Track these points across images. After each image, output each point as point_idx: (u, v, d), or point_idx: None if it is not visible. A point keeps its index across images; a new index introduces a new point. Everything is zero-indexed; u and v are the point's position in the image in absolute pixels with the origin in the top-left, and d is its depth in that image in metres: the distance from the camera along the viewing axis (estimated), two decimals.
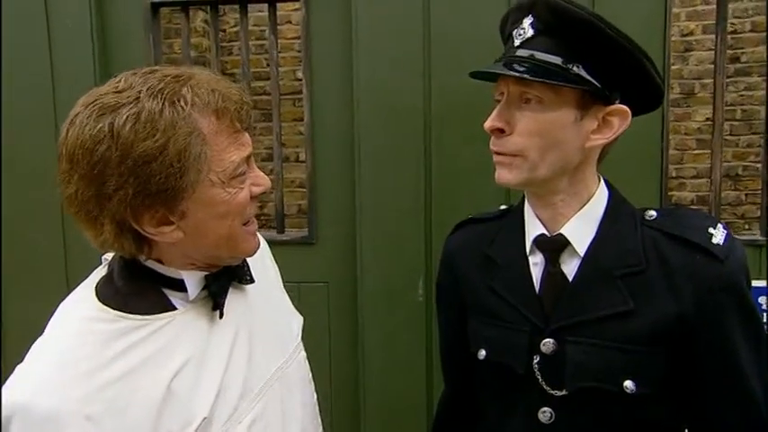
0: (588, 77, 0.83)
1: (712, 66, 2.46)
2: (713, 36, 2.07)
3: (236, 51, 3.82)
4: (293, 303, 1.05)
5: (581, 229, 0.89)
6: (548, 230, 0.91)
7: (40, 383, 0.69)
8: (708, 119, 3.52)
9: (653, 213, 0.90)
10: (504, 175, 0.88)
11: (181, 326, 0.79)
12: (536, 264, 0.92)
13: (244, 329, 0.86)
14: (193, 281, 0.81)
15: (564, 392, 0.87)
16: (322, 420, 1.02)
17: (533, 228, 0.93)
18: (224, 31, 3.85)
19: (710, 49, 3.48)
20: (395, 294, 1.97)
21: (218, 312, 0.83)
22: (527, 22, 0.86)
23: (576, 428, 0.89)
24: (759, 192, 2.67)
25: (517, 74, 0.83)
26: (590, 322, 0.86)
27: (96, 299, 0.77)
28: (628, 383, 0.84)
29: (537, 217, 0.93)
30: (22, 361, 0.73)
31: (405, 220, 1.95)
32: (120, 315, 0.75)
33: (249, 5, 2.11)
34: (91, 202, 0.72)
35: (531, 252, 0.93)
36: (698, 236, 0.85)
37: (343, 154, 2.01)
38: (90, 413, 0.69)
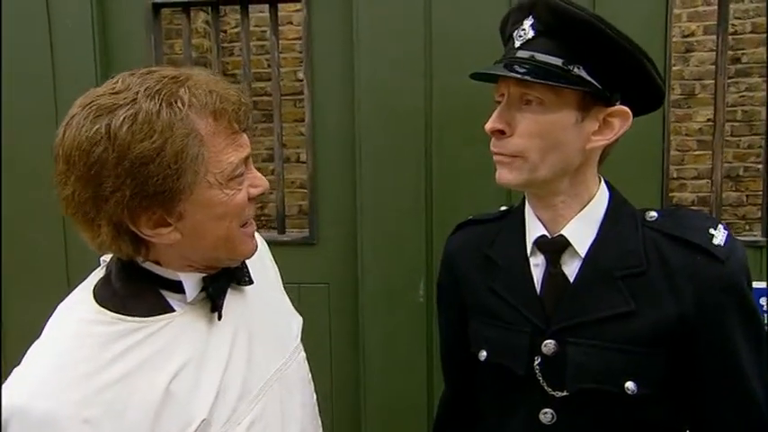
0: (589, 78, 0.83)
1: (713, 66, 2.46)
2: (714, 37, 2.07)
3: (237, 52, 3.82)
4: (294, 304, 1.05)
5: (582, 231, 0.89)
6: (548, 231, 0.91)
7: (37, 386, 0.69)
8: (709, 120, 3.51)
9: (654, 214, 0.89)
10: (505, 176, 0.88)
11: (179, 328, 0.78)
12: (537, 265, 0.92)
13: (243, 331, 0.86)
14: (191, 282, 0.81)
15: (565, 393, 0.87)
16: (322, 421, 1.02)
17: (534, 229, 0.93)
18: (225, 31, 3.85)
19: (711, 50, 3.48)
20: (395, 295, 1.97)
21: (216, 314, 0.82)
22: (527, 23, 0.85)
23: (577, 429, 0.89)
24: (760, 193, 2.66)
25: (518, 75, 0.83)
26: (591, 323, 0.86)
27: (94, 301, 0.77)
28: (629, 384, 0.84)
29: (537, 218, 0.93)
30: (20, 363, 0.73)
31: (405, 220, 1.95)
32: (119, 317, 0.75)
33: (250, 6, 2.11)
34: (88, 204, 0.72)
35: (532, 253, 0.93)
36: (699, 237, 0.85)
37: (343, 155, 2.01)
38: (88, 416, 0.69)
